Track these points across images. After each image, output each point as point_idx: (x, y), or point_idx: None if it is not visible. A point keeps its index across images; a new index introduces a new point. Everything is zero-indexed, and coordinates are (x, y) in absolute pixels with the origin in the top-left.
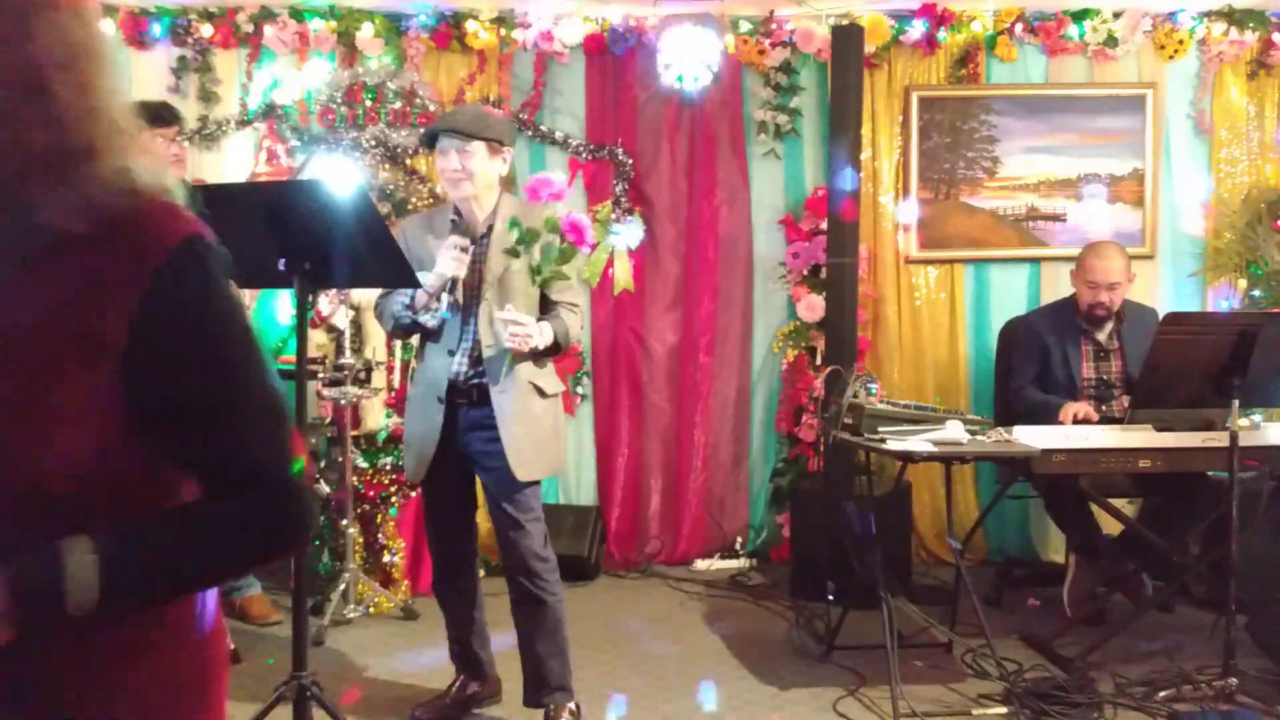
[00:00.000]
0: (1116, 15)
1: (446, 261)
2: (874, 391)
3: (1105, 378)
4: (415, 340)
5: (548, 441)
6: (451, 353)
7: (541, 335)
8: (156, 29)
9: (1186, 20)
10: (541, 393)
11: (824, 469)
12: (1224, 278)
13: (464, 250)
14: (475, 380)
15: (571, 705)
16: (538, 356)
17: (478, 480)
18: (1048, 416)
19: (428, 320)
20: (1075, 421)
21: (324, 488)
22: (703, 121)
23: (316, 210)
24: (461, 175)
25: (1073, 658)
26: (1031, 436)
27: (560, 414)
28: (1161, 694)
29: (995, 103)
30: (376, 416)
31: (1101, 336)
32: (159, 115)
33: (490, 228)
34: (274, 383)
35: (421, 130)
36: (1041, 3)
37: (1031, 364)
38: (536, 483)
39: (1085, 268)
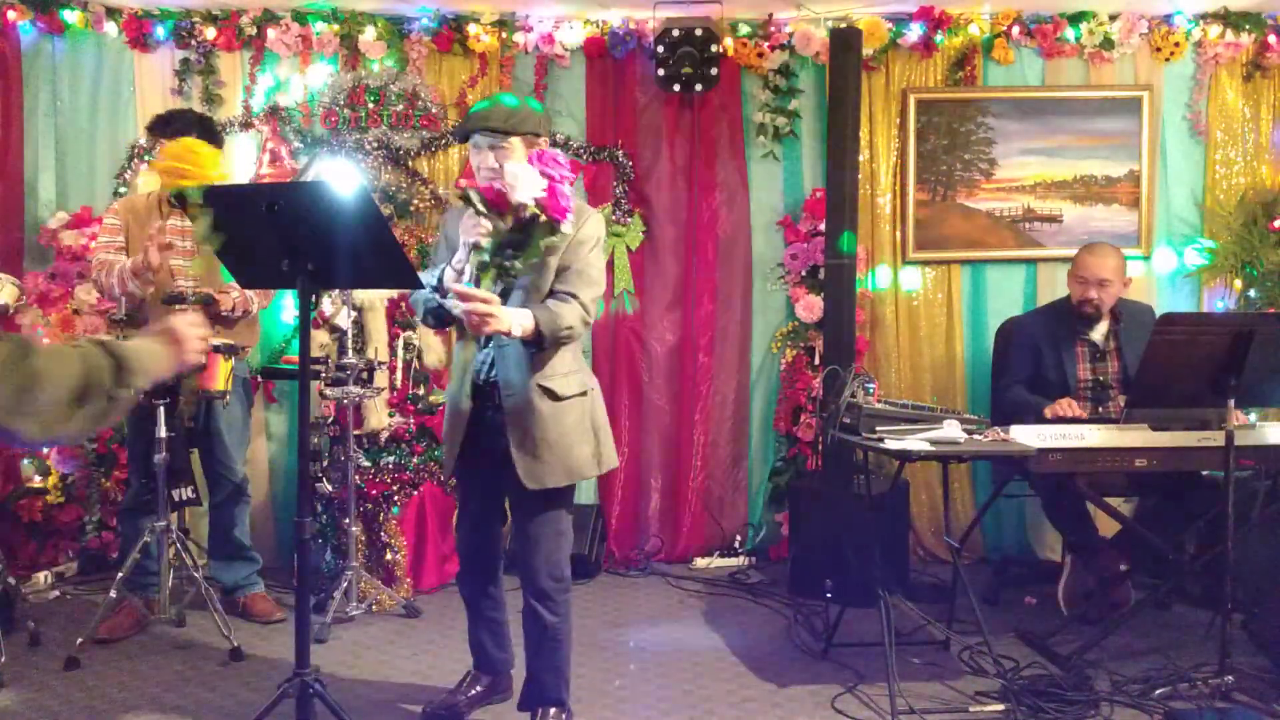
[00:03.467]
0: (1113, 18)
1: (467, 229)
2: (872, 391)
3: (1101, 379)
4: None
5: (562, 445)
6: (481, 346)
7: (513, 321)
8: (160, 31)
9: (1182, 22)
10: (553, 395)
11: (822, 468)
12: (1220, 279)
13: (483, 214)
14: (494, 379)
15: (563, 717)
16: (531, 349)
17: None
18: (1029, 416)
19: (451, 305)
20: (1063, 418)
21: (326, 486)
22: (702, 124)
23: (320, 212)
24: (498, 173)
25: (1069, 655)
26: (1028, 436)
27: (586, 415)
28: (1158, 691)
29: (992, 105)
30: (379, 416)
31: (1097, 338)
32: (157, 125)
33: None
34: None
35: (424, 132)
36: (1038, 5)
37: (1023, 365)
38: (559, 494)
39: (1077, 263)
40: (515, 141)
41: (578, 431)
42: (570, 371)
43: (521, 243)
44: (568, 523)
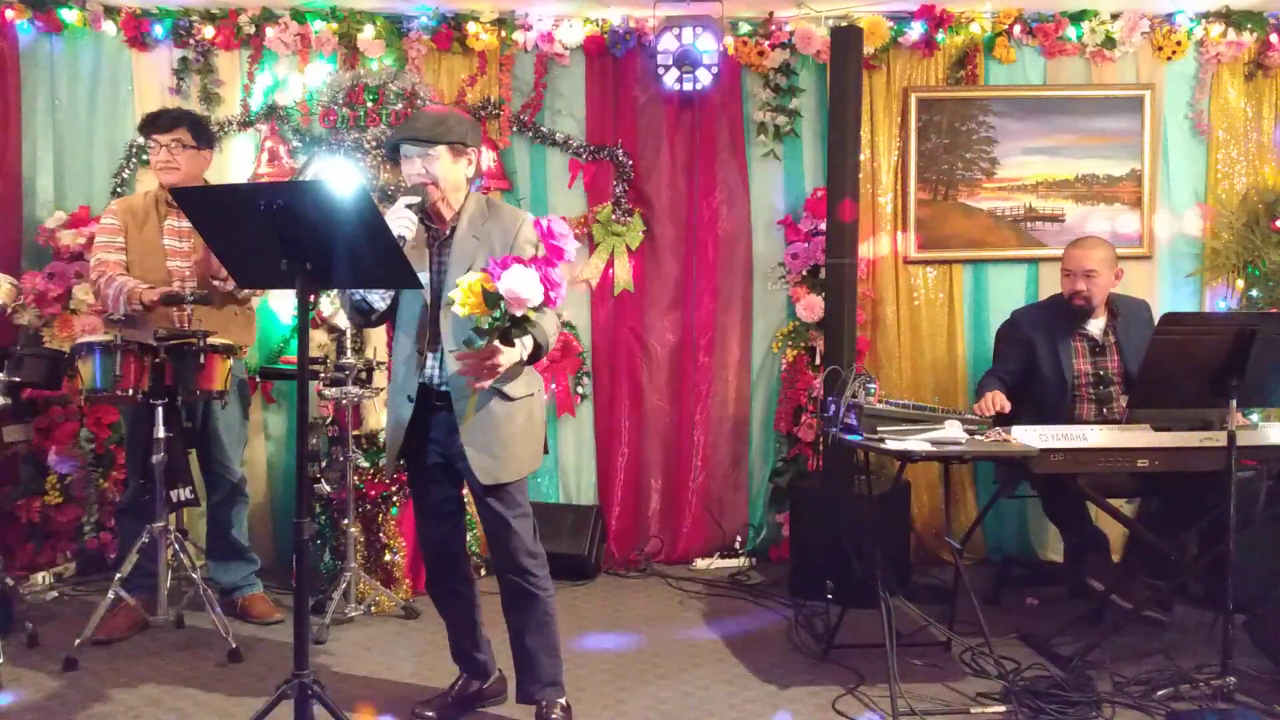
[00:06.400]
0: (1114, 17)
1: (393, 221)
2: (873, 391)
3: (1102, 373)
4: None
5: (514, 443)
6: (420, 352)
7: (521, 351)
8: (158, 30)
9: (1184, 21)
10: (506, 397)
11: (823, 468)
12: (1222, 278)
13: (411, 208)
14: (445, 386)
15: (562, 701)
16: (525, 364)
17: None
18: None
19: (375, 300)
20: (993, 411)
21: (325, 487)
22: (702, 122)
23: (318, 211)
24: (426, 180)
25: (1071, 656)
26: (1029, 436)
27: (534, 412)
28: (1159, 693)
29: (993, 104)
30: (378, 416)
31: (1095, 332)
32: (149, 121)
33: (454, 229)
34: None
35: None
36: (1040, 4)
37: (1012, 359)
38: (515, 482)
39: (1064, 258)
40: (441, 150)
41: (526, 430)
42: (521, 375)
43: (522, 324)
44: (528, 505)
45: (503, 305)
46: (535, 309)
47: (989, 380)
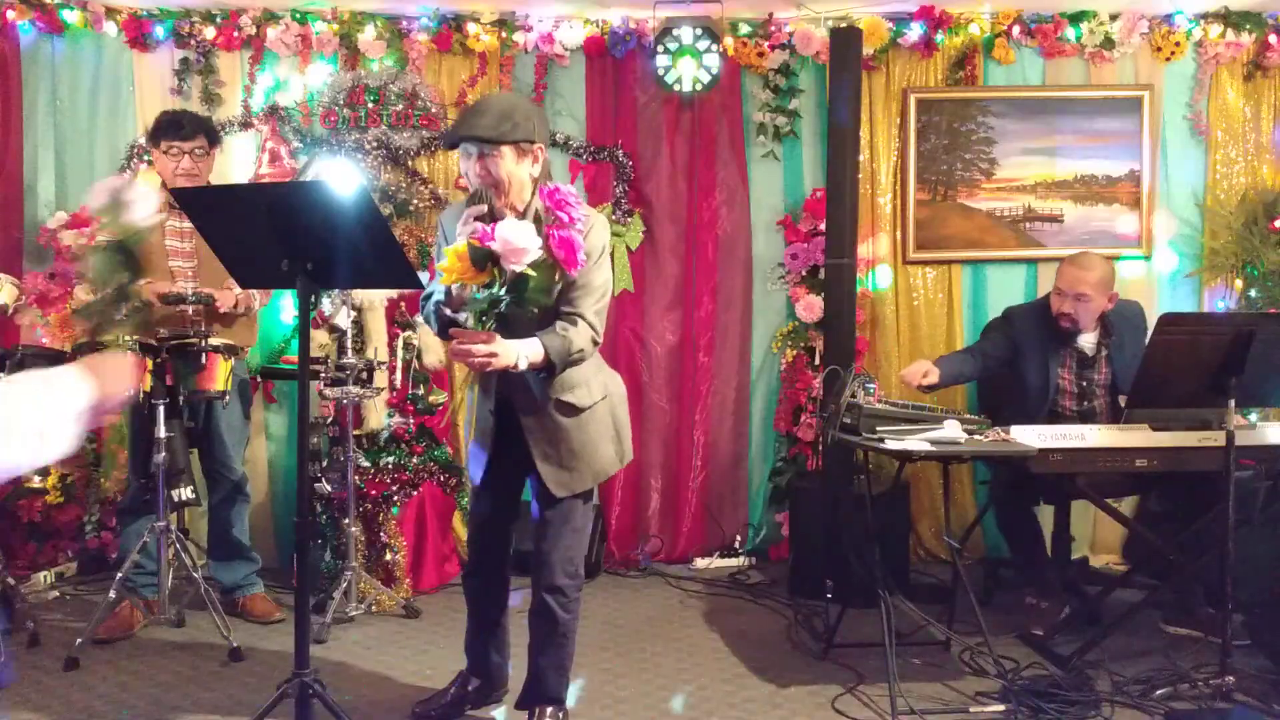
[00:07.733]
0: (1113, 17)
1: (466, 234)
2: (872, 391)
3: (1085, 384)
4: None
5: (586, 451)
6: None
7: (519, 354)
8: (159, 31)
9: (1183, 22)
10: (572, 408)
11: (822, 468)
12: (1220, 278)
13: (480, 219)
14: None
15: (560, 715)
16: (543, 375)
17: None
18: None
19: (464, 317)
20: (920, 382)
21: (326, 487)
22: (702, 123)
23: (319, 211)
24: (489, 181)
25: (1070, 656)
26: (1028, 436)
27: (607, 416)
28: (1158, 692)
29: (992, 105)
30: (378, 416)
31: (1085, 345)
32: (168, 127)
33: None
34: None
35: (423, 132)
36: (1038, 5)
37: (995, 347)
38: (582, 495)
39: (1058, 273)
40: (505, 149)
41: (600, 435)
42: (588, 379)
43: (519, 294)
44: (587, 519)
45: (498, 269)
46: (541, 270)
47: (948, 355)
